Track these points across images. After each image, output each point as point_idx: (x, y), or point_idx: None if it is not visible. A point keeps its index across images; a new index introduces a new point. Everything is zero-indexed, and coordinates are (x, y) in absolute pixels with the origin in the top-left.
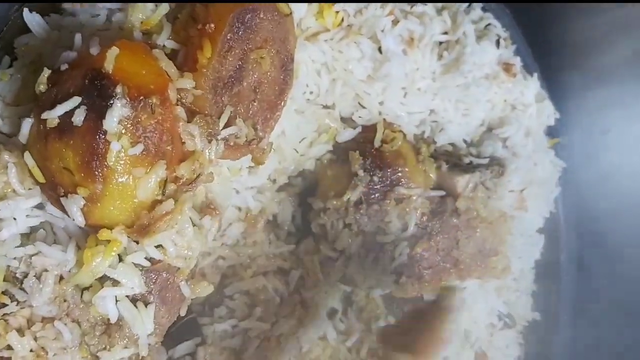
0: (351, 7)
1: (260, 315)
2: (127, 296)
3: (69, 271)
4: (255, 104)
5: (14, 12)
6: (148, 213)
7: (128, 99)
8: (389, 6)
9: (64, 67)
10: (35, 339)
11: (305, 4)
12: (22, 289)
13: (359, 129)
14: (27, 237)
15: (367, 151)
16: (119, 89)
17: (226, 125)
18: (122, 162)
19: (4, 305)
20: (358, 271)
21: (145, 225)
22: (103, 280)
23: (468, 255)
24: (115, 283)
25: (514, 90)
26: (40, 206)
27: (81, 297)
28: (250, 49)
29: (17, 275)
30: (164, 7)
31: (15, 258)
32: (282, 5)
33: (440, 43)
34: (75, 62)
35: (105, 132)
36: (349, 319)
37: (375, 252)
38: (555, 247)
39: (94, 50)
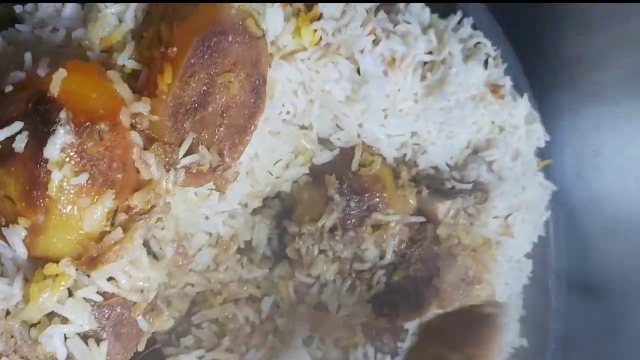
0: (330, 25)
1: (229, 345)
2: (77, 333)
3: (16, 306)
4: (222, 129)
5: None
6: (96, 244)
7: (72, 125)
8: (370, 25)
9: (8, 88)
10: None
11: (282, 22)
12: None
13: (336, 151)
14: None
15: (345, 174)
16: (62, 114)
17: (188, 153)
18: (65, 192)
19: None
20: (334, 299)
21: (93, 256)
22: (52, 316)
23: (449, 284)
24: (65, 320)
25: (502, 111)
26: None
27: (29, 332)
28: (217, 73)
29: None
30: (128, 23)
31: None
32: (254, 27)
33: (425, 63)
34: (22, 84)
35: (46, 161)
36: (326, 345)
37: (351, 280)
38: (544, 272)
39: (42, 72)
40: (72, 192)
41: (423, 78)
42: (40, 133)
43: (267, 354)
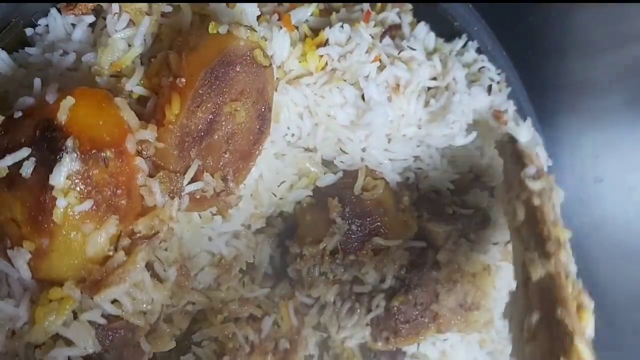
0: (335, 51)
1: None
2: (81, 356)
3: (22, 327)
4: (226, 155)
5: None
6: (100, 268)
7: (79, 153)
8: (375, 51)
9: (17, 114)
10: None
11: (288, 47)
12: None
13: (340, 174)
14: None
15: (347, 198)
16: (69, 142)
17: (192, 180)
18: (70, 217)
19: None
20: (333, 320)
21: (97, 280)
22: (56, 337)
23: (448, 310)
24: (69, 342)
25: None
26: None
27: (33, 353)
28: (224, 101)
29: None
30: (137, 48)
31: None
32: (261, 57)
33: (429, 88)
34: (31, 110)
35: (51, 188)
36: None
37: (351, 302)
38: None
39: (50, 98)
40: (77, 217)
41: (427, 104)
42: (47, 160)
43: None
